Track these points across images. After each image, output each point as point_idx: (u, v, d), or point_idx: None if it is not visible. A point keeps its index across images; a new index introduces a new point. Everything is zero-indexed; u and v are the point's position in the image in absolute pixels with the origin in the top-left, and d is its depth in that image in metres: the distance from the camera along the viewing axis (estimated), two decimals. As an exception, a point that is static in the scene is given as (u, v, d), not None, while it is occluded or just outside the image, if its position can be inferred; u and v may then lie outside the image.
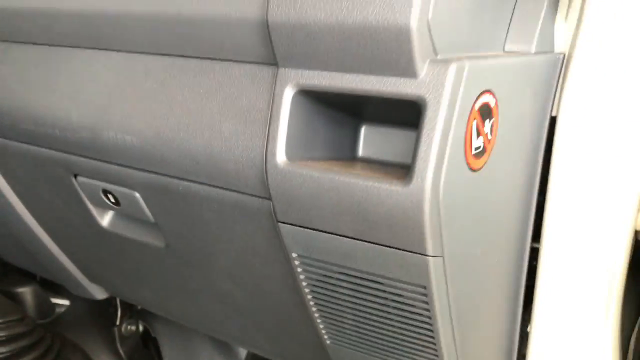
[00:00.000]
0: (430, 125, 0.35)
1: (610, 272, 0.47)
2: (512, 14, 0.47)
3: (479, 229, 0.44)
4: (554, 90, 0.49)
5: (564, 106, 0.47)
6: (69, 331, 0.92)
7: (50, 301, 0.95)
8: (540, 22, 0.46)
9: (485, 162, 0.42)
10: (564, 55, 0.48)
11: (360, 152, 0.46)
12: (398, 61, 0.35)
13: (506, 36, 0.47)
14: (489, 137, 0.41)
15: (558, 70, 0.48)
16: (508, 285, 0.54)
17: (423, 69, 0.35)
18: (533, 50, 0.46)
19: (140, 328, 0.96)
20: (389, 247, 0.39)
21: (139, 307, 0.91)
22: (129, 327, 0.89)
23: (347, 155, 0.45)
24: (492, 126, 0.41)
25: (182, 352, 0.98)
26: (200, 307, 0.63)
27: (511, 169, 0.47)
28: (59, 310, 0.97)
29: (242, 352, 1.09)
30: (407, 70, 0.35)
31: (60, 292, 0.98)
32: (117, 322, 0.88)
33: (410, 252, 0.38)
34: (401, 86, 0.36)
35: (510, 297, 0.55)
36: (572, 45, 0.47)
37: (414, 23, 0.34)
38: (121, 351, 0.89)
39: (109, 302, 0.89)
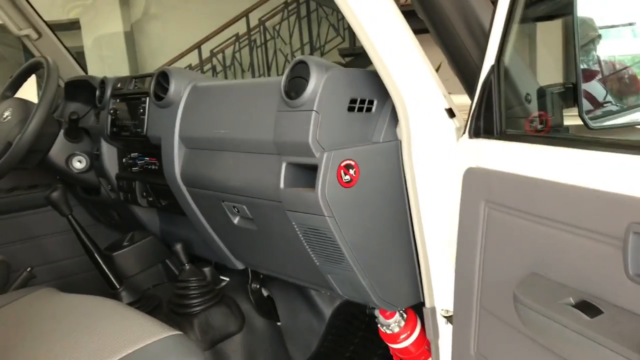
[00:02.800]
0: (319, 174, 1.08)
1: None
2: (375, 127, 1.17)
3: (359, 209, 1.13)
4: (400, 153, 1.17)
5: (404, 159, 1.15)
6: (227, 291, 1.73)
7: (219, 277, 1.78)
8: (384, 130, 1.16)
9: (355, 183, 1.12)
10: (400, 141, 1.17)
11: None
12: (308, 152, 1.09)
13: (372, 135, 1.17)
14: (353, 175, 1.11)
15: (400, 146, 1.17)
16: (398, 235, 1.20)
17: (317, 154, 1.08)
18: (381, 140, 1.16)
19: (264, 292, 1.75)
20: (314, 214, 1.11)
21: (261, 276, 1.70)
22: (255, 286, 1.68)
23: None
24: (354, 171, 1.12)
25: (287, 305, 1.74)
26: (275, 258, 1.39)
27: (377, 183, 1.15)
28: (223, 282, 1.80)
29: (327, 311, 1.82)
30: (311, 155, 1.09)
31: (226, 273, 1.81)
32: (249, 283, 1.68)
33: (320, 215, 1.10)
34: (311, 160, 1.10)
35: (404, 240, 1.21)
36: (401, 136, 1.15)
37: (309, 141, 1.08)
38: (252, 299, 1.68)
39: (245, 273, 1.68)
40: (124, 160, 1.73)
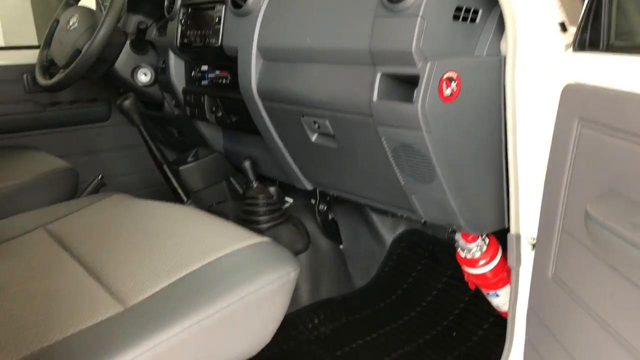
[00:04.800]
0: (420, 85, 1.02)
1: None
2: (478, 39, 1.10)
3: (457, 126, 1.08)
4: (503, 69, 1.10)
5: (506, 76, 1.08)
6: (293, 211, 1.72)
7: (284, 197, 1.77)
8: (488, 43, 1.09)
9: (455, 98, 1.06)
10: (504, 56, 1.09)
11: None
12: (410, 61, 1.03)
13: (475, 48, 1.10)
14: (454, 89, 1.05)
15: (503, 62, 1.10)
16: (491, 157, 1.15)
17: (419, 65, 1.03)
18: (484, 54, 1.09)
19: (330, 215, 1.73)
20: (410, 129, 1.06)
21: (328, 198, 1.68)
22: (321, 207, 1.66)
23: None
24: (456, 84, 1.05)
25: (350, 229, 1.73)
26: (352, 178, 1.36)
27: (476, 100, 1.09)
28: (287, 203, 1.79)
29: (388, 238, 1.81)
30: (413, 64, 1.03)
31: (289, 194, 1.80)
32: (317, 204, 1.66)
33: (417, 130, 1.05)
34: (412, 70, 1.04)
35: (496, 163, 1.16)
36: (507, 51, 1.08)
37: (413, 49, 1.01)
38: (318, 220, 1.66)
39: (313, 195, 1.66)
40: (192, 73, 1.69)
